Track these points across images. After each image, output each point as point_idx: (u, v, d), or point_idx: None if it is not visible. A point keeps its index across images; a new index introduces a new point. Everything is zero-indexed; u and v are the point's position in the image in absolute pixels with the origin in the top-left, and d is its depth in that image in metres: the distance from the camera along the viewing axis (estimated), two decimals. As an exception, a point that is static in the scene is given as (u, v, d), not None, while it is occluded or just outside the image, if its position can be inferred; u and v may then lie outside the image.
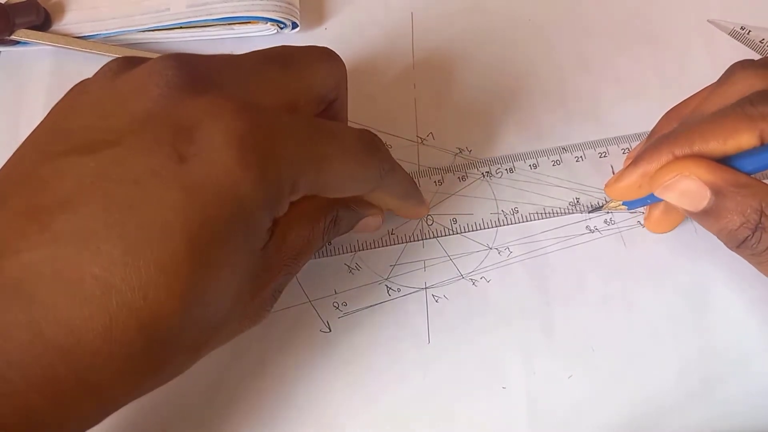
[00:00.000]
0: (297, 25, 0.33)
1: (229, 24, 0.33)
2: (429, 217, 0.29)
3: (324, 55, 0.23)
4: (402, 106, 0.32)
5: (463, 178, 0.30)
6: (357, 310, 0.28)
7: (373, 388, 0.26)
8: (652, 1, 0.34)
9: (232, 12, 0.32)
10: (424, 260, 0.29)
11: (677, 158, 0.21)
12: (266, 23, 0.32)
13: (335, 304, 0.28)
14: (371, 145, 0.23)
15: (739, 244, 0.21)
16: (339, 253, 0.28)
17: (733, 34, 0.33)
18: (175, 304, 0.17)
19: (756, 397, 0.26)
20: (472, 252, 0.29)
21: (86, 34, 0.33)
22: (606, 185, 0.23)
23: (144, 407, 0.26)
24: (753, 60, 0.23)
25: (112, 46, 0.32)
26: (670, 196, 0.21)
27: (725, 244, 0.21)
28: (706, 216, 0.21)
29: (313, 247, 0.23)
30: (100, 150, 0.18)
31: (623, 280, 0.28)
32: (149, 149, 0.18)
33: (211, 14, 0.32)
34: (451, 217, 0.29)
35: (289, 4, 0.32)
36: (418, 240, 0.29)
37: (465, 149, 0.31)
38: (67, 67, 0.33)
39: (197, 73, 0.20)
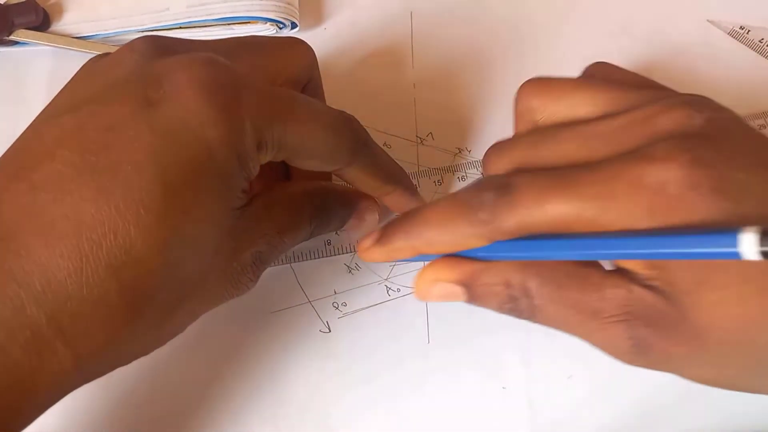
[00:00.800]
0: (296, 25, 0.33)
1: (228, 24, 0.33)
2: (429, 217, 0.29)
3: (294, 42, 0.25)
4: (401, 106, 0.32)
5: (462, 178, 0.30)
6: (357, 311, 0.28)
7: (372, 388, 0.26)
8: (652, 1, 0.34)
9: (232, 12, 0.32)
10: (424, 260, 0.28)
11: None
12: (265, 23, 0.32)
13: (335, 305, 0.28)
14: (345, 117, 0.23)
15: (516, 316, 0.21)
16: (339, 253, 0.28)
17: (732, 33, 0.33)
18: (147, 244, 0.18)
19: (756, 396, 0.26)
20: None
21: (85, 35, 0.32)
22: (358, 247, 0.23)
23: (141, 406, 0.26)
24: (538, 79, 0.22)
25: (111, 46, 0.32)
26: (433, 300, 0.22)
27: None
28: (473, 303, 0.21)
29: (299, 228, 0.24)
30: (78, 109, 0.19)
31: (623, 280, 0.28)
32: (123, 100, 0.19)
33: (210, 14, 0.32)
34: (451, 217, 0.29)
35: (289, 4, 0.32)
36: (418, 240, 0.29)
37: (465, 149, 0.31)
38: (66, 68, 0.32)
39: (170, 45, 0.21)
